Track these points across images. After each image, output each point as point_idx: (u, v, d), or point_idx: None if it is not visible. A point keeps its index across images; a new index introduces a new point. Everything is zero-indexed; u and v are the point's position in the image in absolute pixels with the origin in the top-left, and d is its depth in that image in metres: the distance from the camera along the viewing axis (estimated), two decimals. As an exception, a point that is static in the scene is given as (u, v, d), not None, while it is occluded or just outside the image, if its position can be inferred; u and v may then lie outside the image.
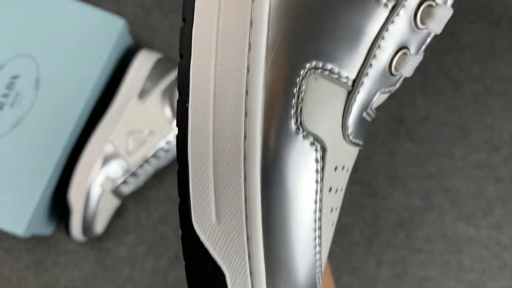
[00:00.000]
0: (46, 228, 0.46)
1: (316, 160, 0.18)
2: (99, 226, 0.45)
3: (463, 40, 0.52)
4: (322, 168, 0.18)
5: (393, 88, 0.20)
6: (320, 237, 0.19)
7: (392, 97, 0.50)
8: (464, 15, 0.53)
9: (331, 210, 0.20)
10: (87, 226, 0.44)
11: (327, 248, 0.20)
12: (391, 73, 0.19)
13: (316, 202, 0.18)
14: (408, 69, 0.19)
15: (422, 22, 0.18)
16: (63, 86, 0.44)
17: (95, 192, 0.44)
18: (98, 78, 0.45)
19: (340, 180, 0.20)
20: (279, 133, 0.17)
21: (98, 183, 0.43)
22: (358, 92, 0.18)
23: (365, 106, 0.19)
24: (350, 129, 0.19)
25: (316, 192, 0.18)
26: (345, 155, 0.19)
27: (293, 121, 0.17)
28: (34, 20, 0.45)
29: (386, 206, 0.49)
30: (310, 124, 0.18)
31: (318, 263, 0.19)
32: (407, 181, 0.49)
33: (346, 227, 0.49)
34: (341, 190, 0.20)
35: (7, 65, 0.44)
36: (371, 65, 0.18)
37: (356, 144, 0.20)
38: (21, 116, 0.43)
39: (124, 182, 0.45)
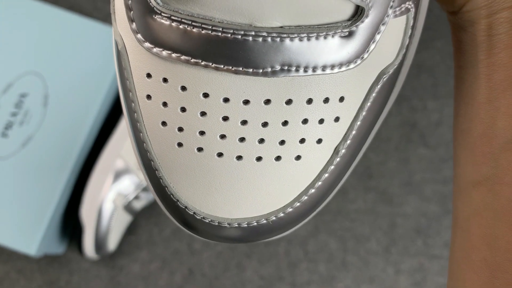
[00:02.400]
0: (58, 247, 0.46)
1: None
2: (112, 243, 0.45)
3: (472, 42, 0.52)
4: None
5: None
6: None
7: (403, 101, 0.50)
8: (472, 17, 0.52)
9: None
10: (100, 244, 0.44)
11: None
12: None
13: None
14: None
15: None
16: (72, 103, 0.44)
17: (107, 208, 0.43)
18: (106, 93, 0.44)
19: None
20: None
21: (110, 199, 0.43)
22: None
23: None
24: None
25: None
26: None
27: None
28: (41, 37, 0.45)
29: (402, 213, 0.48)
30: None
31: None
32: (422, 186, 0.48)
33: (362, 236, 0.48)
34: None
35: (16, 83, 0.44)
36: None
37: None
38: (30, 134, 0.43)
39: (136, 197, 0.44)
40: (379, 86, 0.17)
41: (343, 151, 0.17)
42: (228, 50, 0.15)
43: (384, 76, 0.17)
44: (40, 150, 0.43)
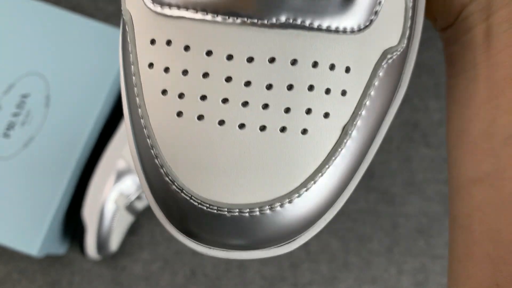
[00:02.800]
0: (59, 248, 0.46)
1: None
2: (114, 243, 0.45)
3: (474, 42, 0.52)
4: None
5: None
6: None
7: (404, 101, 0.50)
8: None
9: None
10: (102, 244, 0.44)
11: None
12: None
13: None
14: None
15: None
16: (73, 103, 0.44)
17: (109, 209, 0.43)
18: (108, 94, 0.44)
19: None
20: None
21: (111, 200, 0.43)
22: None
23: None
24: None
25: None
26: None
27: None
28: (43, 38, 0.45)
29: (404, 213, 0.48)
30: None
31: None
32: (424, 186, 0.48)
33: (364, 236, 0.48)
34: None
35: (17, 84, 0.44)
36: None
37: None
38: (32, 135, 0.43)
39: (138, 197, 0.44)
40: (384, 67, 0.17)
41: (354, 133, 0.16)
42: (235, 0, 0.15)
43: (389, 56, 0.17)
44: (42, 151, 0.43)
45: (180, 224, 0.16)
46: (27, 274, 0.47)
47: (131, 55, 0.17)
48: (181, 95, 0.16)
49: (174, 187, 0.16)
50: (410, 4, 0.18)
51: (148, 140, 0.16)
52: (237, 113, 0.15)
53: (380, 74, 0.17)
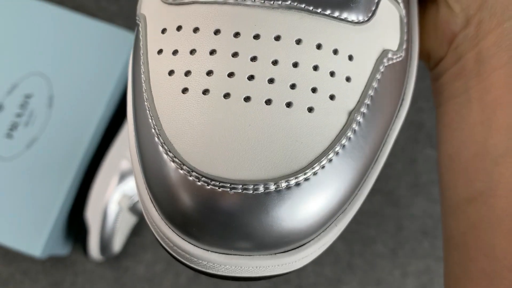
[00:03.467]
0: (62, 249, 0.46)
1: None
2: (117, 244, 0.45)
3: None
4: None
5: None
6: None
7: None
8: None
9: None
10: (105, 245, 0.44)
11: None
12: None
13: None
14: None
15: None
16: (77, 104, 0.44)
17: (112, 210, 0.43)
18: (112, 94, 0.44)
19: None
20: None
21: (115, 201, 0.43)
22: None
23: None
24: None
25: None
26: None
27: None
28: (46, 38, 0.45)
29: (409, 215, 0.48)
30: None
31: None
32: (429, 188, 0.48)
33: (369, 239, 0.47)
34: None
35: (20, 84, 0.44)
36: None
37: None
38: (35, 135, 0.43)
39: (141, 199, 0.44)
40: (385, 66, 0.18)
41: (362, 121, 0.16)
42: None
43: (389, 56, 0.18)
44: (45, 151, 0.43)
45: (174, 211, 0.15)
46: (30, 275, 0.47)
47: (141, 47, 0.18)
48: (187, 73, 0.16)
49: (174, 164, 0.15)
50: (405, 20, 0.19)
51: (150, 120, 0.16)
52: (242, 86, 0.15)
53: (382, 70, 0.18)
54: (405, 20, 0.19)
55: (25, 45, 0.45)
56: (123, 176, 0.43)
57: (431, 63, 0.23)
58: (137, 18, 0.19)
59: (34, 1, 0.46)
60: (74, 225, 0.46)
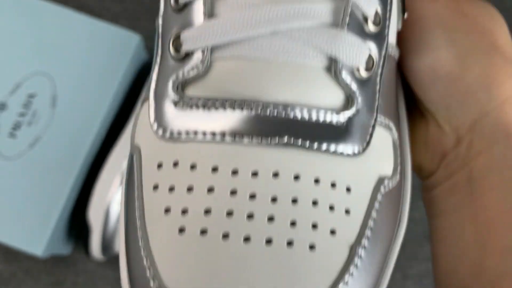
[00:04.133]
0: (64, 248, 0.46)
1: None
2: (119, 244, 0.45)
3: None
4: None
5: None
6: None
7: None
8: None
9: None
10: (107, 245, 0.44)
11: None
12: None
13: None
14: None
15: None
16: (80, 104, 0.44)
17: (115, 210, 0.43)
18: (115, 94, 0.44)
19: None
20: None
21: (117, 201, 0.43)
22: None
23: None
24: None
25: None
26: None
27: None
28: (50, 37, 0.45)
29: (410, 218, 0.48)
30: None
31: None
32: (431, 191, 0.48)
33: (370, 240, 0.47)
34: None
35: (24, 83, 0.44)
36: None
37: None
38: (38, 135, 0.43)
39: (143, 199, 0.44)
40: (382, 193, 0.18)
41: (363, 254, 0.16)
42: (239, 122, 0.16)
43: (385, 182, 0.18)
44: (48, 151, 0.43)
45: None
46: (32, 274, 0.47)
47: (136, 181, 0.18)
48: (184, 211, 0.16)
49: None
50: (398, 143, 0.20)
51: (145, 262, 0.16)
52: (241, 226, 0.15)
53: (379, 198, 0.18)
54: (397, 143, 0.20)
55: (29, 44, 0.45)
56: (125, 177, 0.43)
57: (422, 175, 0.24)
58: (130, 149, 0.19)
59: (37, 1, 0.46)
60: (76, 225, 0.46)
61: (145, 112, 0.19)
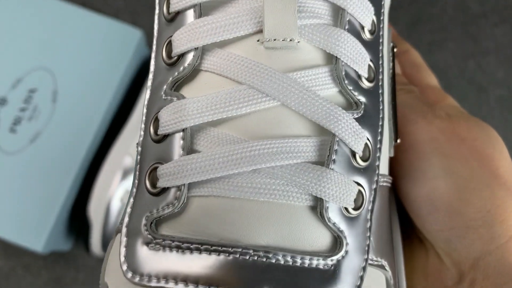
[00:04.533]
0: (64, 244, 0.46)
1: None
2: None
3: (487, 44, 0.51)
4: None
5: None
6: None
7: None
8: (487, 18, 0.51)
9: None
10: (107, 241, 0.44)
11: None
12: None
13: None
14: None
15: None
16: (81, 99, 0.43)
17: (115, 206, 0.43)
18: (116, 90, 0.44)
19: None
20: None
21: (117, 197, 0.43)
22: None
23: None
24: None
25: None
26: None
27: None
28: (51, 33, 0.45)
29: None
30: None
31: None
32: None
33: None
34: None
35: (25, 78, 0.44)
36: None
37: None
38: (38, 130, 0.43)
39: (144, 195, 0.44)
40: None
41: None
42: (215, 268, 0.15)
43: None
44: (48, 146, 0.42)
45: None
46: (32, 270, 0.47)
47: None
48: None
49: None
50: (391, 282, 0.19)
51: None
52: None
53: None
54: (391, 282, 0.19)
55: (30, 39, 0.45)
56: (126, 173, 0.43)
57: None
58: (100, 285, 0.18)
59: (39, -5, 0.46)
60: (77, 221, 0.46)
61: (117, 246, 0.17)
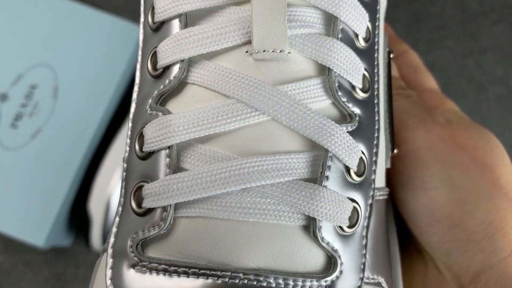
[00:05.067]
0: (65, 240, 0.46)
1: None
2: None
3: (486, 42, 0.51)
4: None
5: None
6: None
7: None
8: (486, 16, 0.52)
9: None
10: (107, 237, 0.44)
11: None
12: None
13: None
14: None
15: None
16: (81, 95, 0.44)
17: (115, 202, 0.43)
18: (116, 86, 0.44)
19: None
20: None
21: (118, 193, 0.43)
22: None
23: None
24: None
25: None
26: None
27: None
28: (52, 29, 0.45)
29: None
30: None
31: None
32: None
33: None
34: None
35: (26, 74, 0.44)
36: None
37: None
38: (39, 126, 0.43)
39: (144, 191, 0.44)
40: None
41: None
42: None
43: None
44: (49, 142, 0.43)
45: None
46: (33, 265, 0.47)
47: None
48: None
49: None
50: None
51: None
52: None
53: None
54: None
55: (31, 36, 0.45)
56: (126, 169, 0.43)
57: None
58: None
59: (40, -8, 0.46)
60: (77, 217, 0.46)
61: (103, 267, 0.17)
